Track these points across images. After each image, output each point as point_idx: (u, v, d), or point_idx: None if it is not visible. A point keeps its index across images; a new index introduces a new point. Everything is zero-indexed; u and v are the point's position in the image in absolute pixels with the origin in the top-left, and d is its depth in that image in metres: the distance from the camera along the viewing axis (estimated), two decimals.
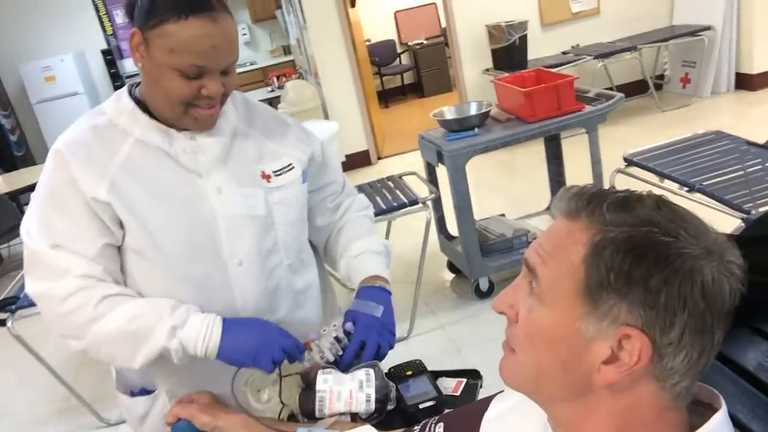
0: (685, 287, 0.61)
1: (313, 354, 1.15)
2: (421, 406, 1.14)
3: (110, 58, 7.69)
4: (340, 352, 1.17)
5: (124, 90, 1.16)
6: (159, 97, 1.09)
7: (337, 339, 1.18)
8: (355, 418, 1.11)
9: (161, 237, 1.11)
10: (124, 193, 1.10)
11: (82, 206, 1.08)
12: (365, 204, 1.42)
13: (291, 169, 1.23)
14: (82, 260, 1.09)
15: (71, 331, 1.10)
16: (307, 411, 1.11)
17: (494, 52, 5.28)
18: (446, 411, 1.01)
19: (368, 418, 1.10)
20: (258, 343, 1.10)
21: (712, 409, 0.67)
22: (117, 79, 7.68)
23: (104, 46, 7.66)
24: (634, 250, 0.61)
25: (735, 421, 0.76)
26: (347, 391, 1.11)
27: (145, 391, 1.25)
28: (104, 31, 7.67)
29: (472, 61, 5.54)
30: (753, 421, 0.75)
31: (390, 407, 1.15)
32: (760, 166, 2.61)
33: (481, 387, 1.23)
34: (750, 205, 2.32)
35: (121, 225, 1.11)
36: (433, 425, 0.92)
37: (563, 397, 0.69)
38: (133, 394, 1.27)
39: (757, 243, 0.82)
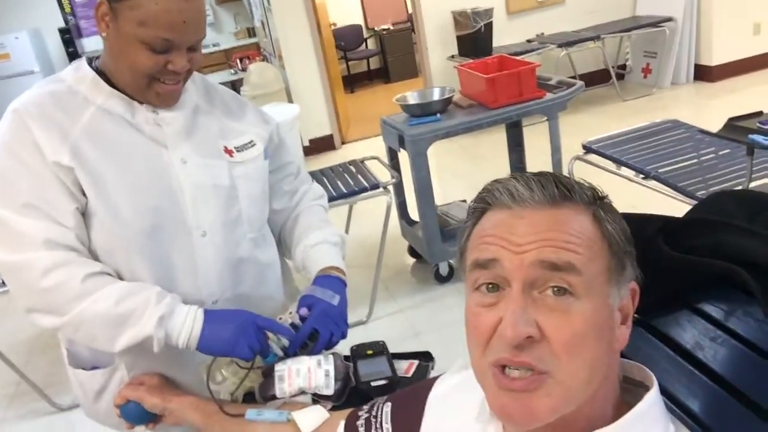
0: None
1: (271, 342, 1.14)
2: (373, 384, 1.15)
3: (68, 36, 7.44)
4: None
5: (82, 60, 1.15)
6: (123, 69, 1.08)
7: (293, 326, 1.18)
8: (317, 402, 1.10)
9: (125, 205, 1.09)
10: (87, 159, 1.07)
11: (46, 170, 1.05)
12: (320, 193, 1.43)
13: (253, 145, 1.24)
14: (56, 227, 1.05)
15: (49, 307, 1.06)
16: (268, 398, 1.11)
17: (459, 38, 5.28)
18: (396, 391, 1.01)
19: (328, 399, 1.10)
20: (236, 334, 1.09)
21: (645, 387, 0.69)
22: (75, 58, 7.43)
23: (62, 25, 7.42)
24: (618, 214, 0.68)
25: (672, 398, 0.77)
26: (305, 368, 1.11)
27: (96, 368, 1.22)
28: (62, 8, 7.37)
29: (437, 48, 5.54)
30: (689, 398, 0.77)
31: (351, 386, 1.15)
32: (713, 155, 2.68)
33: (432, 369, 1.23)
34: (703, 192, 2.37)
35: (83, 193, 1.08)
36: (381, 405, 0.93)
37: (601, 383, 0.65)
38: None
39: (698, 225, 0.84)
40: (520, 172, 0.69)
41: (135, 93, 1.11)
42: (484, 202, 0.70)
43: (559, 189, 0.66)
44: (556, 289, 0.62)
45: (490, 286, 0.65)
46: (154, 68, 1.05)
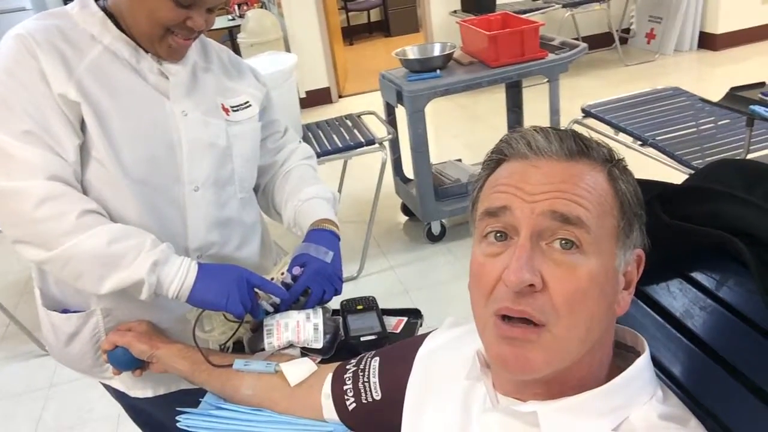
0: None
1: (262, 301, 1.13)
2: (362, 339, 1.15)
3: None
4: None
5: None
6: (140, 16, 1.06)
7: (285, 285, 1.17)
8: (305, 355, 1.10)
9: (123, 147, 1.07)
10: (92, 97, 1.05)
11: (51, 101, 1.02)
12: (309, 153, 1.42)
13: (248, 106, 1.24)
14: (57, 159, 1.02)
15: (39, 238, 1.02)
16: (257, 351, 1.11)
17: None
18: (385, 347, 1.02)
19: (317, 352, 1.10)
20: (229, 289, 1.07)
21: (635, 353, 0.69)
22: None
23: None
24: (633, 176, 0.68)
25: (658, 364, 0.78)
26: (294, 322, 1.11)
27: (67, 311, 1.21)
28: None
29: (439, 2, 5.42)
30: (675, 364, 0.77)
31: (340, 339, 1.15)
32: (712, 124, 2.66)
33: (420, 326, 1.24)
34: (699, 161, 2.37)
35: (83, 130, 1.05)
36: (369, 359, 0.93)
37: (596, 345, 0.65)
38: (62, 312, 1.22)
39: (695, 192, 0.83)
40: (540, 126, 0.69)
41: (146, 42, 1.09)
42: (500, 153, 0.70)
43: (577, 144, 0.66)
44: (564, 241, 0.61)
45: (498, 234, 0.65)
46: (173, 21, 1.05)
